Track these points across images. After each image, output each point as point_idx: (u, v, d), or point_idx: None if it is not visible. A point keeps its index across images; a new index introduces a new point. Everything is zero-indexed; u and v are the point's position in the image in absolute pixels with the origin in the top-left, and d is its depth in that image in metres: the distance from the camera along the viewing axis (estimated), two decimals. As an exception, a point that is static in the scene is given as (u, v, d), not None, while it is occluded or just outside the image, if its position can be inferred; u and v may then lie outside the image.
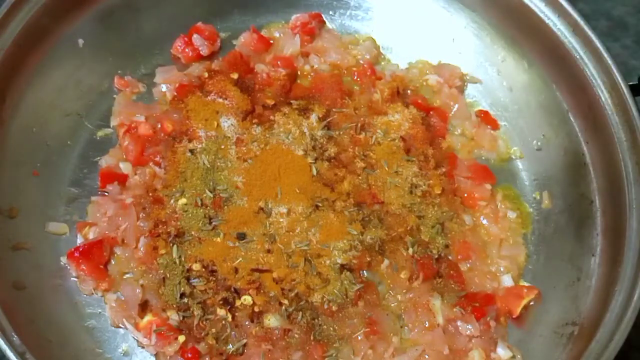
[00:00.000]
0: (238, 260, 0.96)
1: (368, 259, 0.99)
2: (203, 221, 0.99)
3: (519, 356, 0.97)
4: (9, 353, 0.82)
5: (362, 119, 1.10)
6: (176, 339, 0.93)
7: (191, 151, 1.05)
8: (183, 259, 0.97)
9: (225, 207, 1.00)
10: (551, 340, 0.97)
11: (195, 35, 1.15)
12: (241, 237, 0.98)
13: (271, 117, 1.08)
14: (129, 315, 0.96)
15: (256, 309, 0.94)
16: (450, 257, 1.03)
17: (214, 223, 0.99)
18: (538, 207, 1.10)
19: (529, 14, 1.10)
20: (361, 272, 0.98)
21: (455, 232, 1.04)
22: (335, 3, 1.24)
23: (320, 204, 1.01)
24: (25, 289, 0.94)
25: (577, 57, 1.05)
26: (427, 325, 0.97)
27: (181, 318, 0.94)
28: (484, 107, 1.19)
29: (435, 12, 1.21)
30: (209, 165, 1.03)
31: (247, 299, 0.94)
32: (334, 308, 0.95)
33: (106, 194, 1.05)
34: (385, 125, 1.10)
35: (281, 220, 0.99)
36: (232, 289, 0.95)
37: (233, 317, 0.94)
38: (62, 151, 1.07)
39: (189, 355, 0.93)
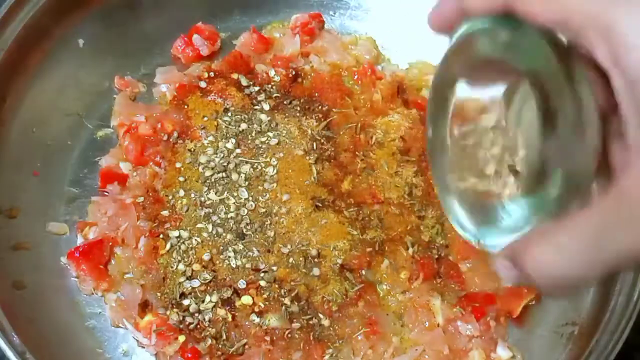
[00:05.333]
0: (238, 260, 0.97)
1: (368, 259, 0.99)
2: (203, 221, 0.99)
3: (519, 356, 0.97)
4: (9, 353, 0.82)
5: (362, 119, 1.10)
6: (176, 338, 0.93)
7: (191, 151, 1.05)
8: (183, 259, 0.97)
9: (226, 207, 1.00)
10: (551, 340, 0.97)
11: (195, 36, 1.15)
12: (241, 237, 0.98)
13: (271, 117, 1.08)
14: (129, 315, 0.96)
15: (256, 309, 0.94)
16: (450, 257, 1.03)
17: (214, 223, 0.99)
18: (538, 207, 1.10)
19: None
20: (361, 272, 0.99)
21: (455, 232, 1.04)
22: (335, 3, 1.24)
23: (320, 204, 1.01)
24: (26, 289, 0.94)
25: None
26: (427, 325, 0.97)
27: (181, 318, 0.94)
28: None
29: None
30: (209, 165, 1.03)
31: (247, 299, 0.95)
32: (334, 308, 0.95)
33: (106, 193, 1.05)
34: (385, 125, 1.10)
35: (281, 220, 0.99)
36: (232, 289, 0.95)
37: (233, 317, 0.94)
38: (62, 151, 1.07)
39: (189, 355, 0.93)
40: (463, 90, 0.69)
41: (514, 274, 0.59)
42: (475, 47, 0.63)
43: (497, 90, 0.66)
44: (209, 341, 0.93)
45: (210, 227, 0.99)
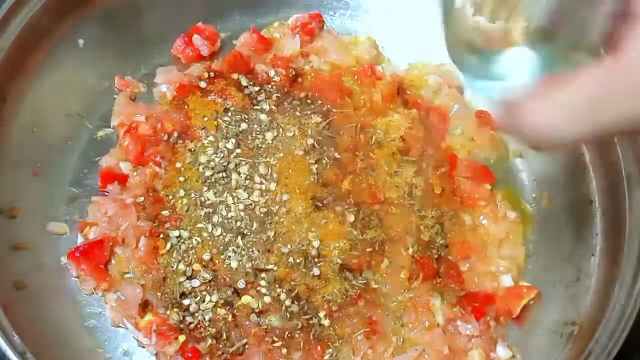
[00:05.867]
0: (238, 260, 0.97)
1: (368, 259, 0.99)
2: (203, 221, 0.99)
3: (518, 356, 0.98)
4: (10, 353, 0.82)
5: (362, 119, 1.10)
6: (176, 338, 0.94)
7: (191, 151, 1.05)
8: (183, 258, 0.97)
9: (226, 207, 1.00)
10: (551, 340, 0.97)
11: (195, 36, 1.15)
12: (242, 237, 0.98)
13: (271, 117, 1.08)
14: (130, 315, 0.96)
15: (256, 309, 0.94)
16: (450, 257, 1.03)
17: (214, 223, 0.99)
18: (538, 207, 1.10)
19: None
20: (361, 272, 0.99)
21: (455, 232, 1.04)
22: (335, 3, 1.24)
23: (320, 204, 1.01)
24: (26, 289, 0.94)
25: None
26: (427, 325, 0.97)
27: (181, 318, 0.94)
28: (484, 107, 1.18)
29: (436, 12, 1.21)
30: (209, 165, 1.03)
31: (247, 299, 0.95)
32: (334, 308, 0.95)
33: (106, 193, 1.05)
34: (385, 125, 1.10)
35: (281, 220, 0.99)
36: (232, 289, 0.96)
37: (233, 317, 0.94)
38: (62, 151, 1.07)
39: (189, 355, 0.93)
40: None
41: (511, 126, 0.60)
42: None
43: None
44: (209, 341, 0.93)
45: (210, 227, 0.99)
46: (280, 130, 1.07)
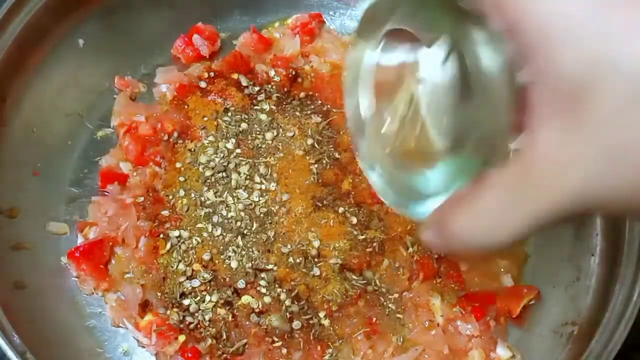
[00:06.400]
0: (238, 260, 0.97)
1: (368, 259, 0.99)
2: (203, 221, 0.99)
3: (518, 356, 0.98)
4: (10, 353, 0.82)
5: (362, 119, 1.10)
6: (176, 338, 0.94)
7: (191, 151, 1.05)
8: (183, 258, 0.97)
9: (226, 207, 1.00)
10: (551, 340, 0.97)
11: (195, 36, 1.15)
12: (241, 236, 0.98)
13: (271, 117, 1.08)
14: (130, 315, 0.96)
15: (256, 309, 0.94)
16: (450, 257, 1.03)
17: (214, 223, 0.99)
18: (538, 207, 1.10)
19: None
20: (361, 272, 0.99)
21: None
22: (335, 3, 1.24)
23: (320, 204, 1.01)
24: (26, 289, 0.94)
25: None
26: (427, 325, 0.97)
27: (181, 318, 0.95)
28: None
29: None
30: (209, 165, 1.03)
31: (247, 299, 0.95)
32: (334, 308, 0.95)
33: (106, 193, 1.05)
34: (385, 125, 1.10)
35: (281, 220, 0.99)
36: (232, 289, 0.96)
37: (233, 317, 0.94)
38: (62, 151, 1.07)
39: (189, 355, 0.93)
40: (373, 58, 0.67)
41: (440, 243, 0.58)
42: (380, 17, 0.62)
43: (407, 56, 0.64)
44: (209, 341, 0.93)
45: (210, 227, 0.99)
46: (280, 130, 1.07)
